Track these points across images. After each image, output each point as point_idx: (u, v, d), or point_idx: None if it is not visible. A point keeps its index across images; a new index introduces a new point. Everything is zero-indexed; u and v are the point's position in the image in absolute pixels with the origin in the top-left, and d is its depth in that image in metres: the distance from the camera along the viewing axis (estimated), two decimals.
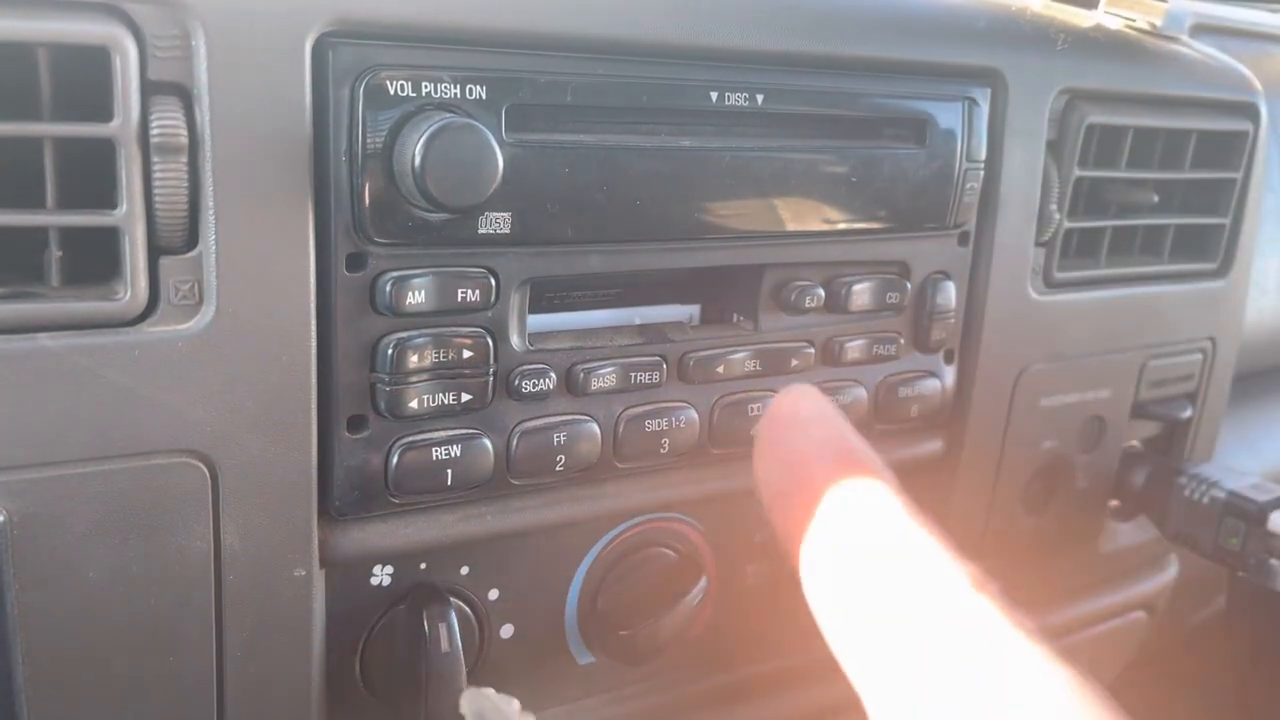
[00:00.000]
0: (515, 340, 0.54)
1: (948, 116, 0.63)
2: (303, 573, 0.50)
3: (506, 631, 0.61)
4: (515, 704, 0.32)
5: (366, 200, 0.47)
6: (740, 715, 0.71)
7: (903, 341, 0.67)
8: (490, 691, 0.34)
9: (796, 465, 0.30)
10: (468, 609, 0.59)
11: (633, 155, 0.53)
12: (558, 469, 0.56)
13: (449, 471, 0.53)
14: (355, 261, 0.48)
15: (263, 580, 0.49)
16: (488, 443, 0.53)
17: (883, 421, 0.68)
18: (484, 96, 0.48)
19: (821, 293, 0.62)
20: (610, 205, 0.53)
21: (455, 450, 0.53)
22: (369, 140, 0.46)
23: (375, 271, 0.49)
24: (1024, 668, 0.23)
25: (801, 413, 0.31)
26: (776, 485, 0.30)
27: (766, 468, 0.31)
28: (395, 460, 0.51)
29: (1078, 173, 0.72)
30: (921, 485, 0.73)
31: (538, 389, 0.54)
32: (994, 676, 0.23)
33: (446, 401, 0.52)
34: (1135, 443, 0.87)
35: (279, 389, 0.47)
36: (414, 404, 0.51)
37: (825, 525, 0.28)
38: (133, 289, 0.44)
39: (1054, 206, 0.71)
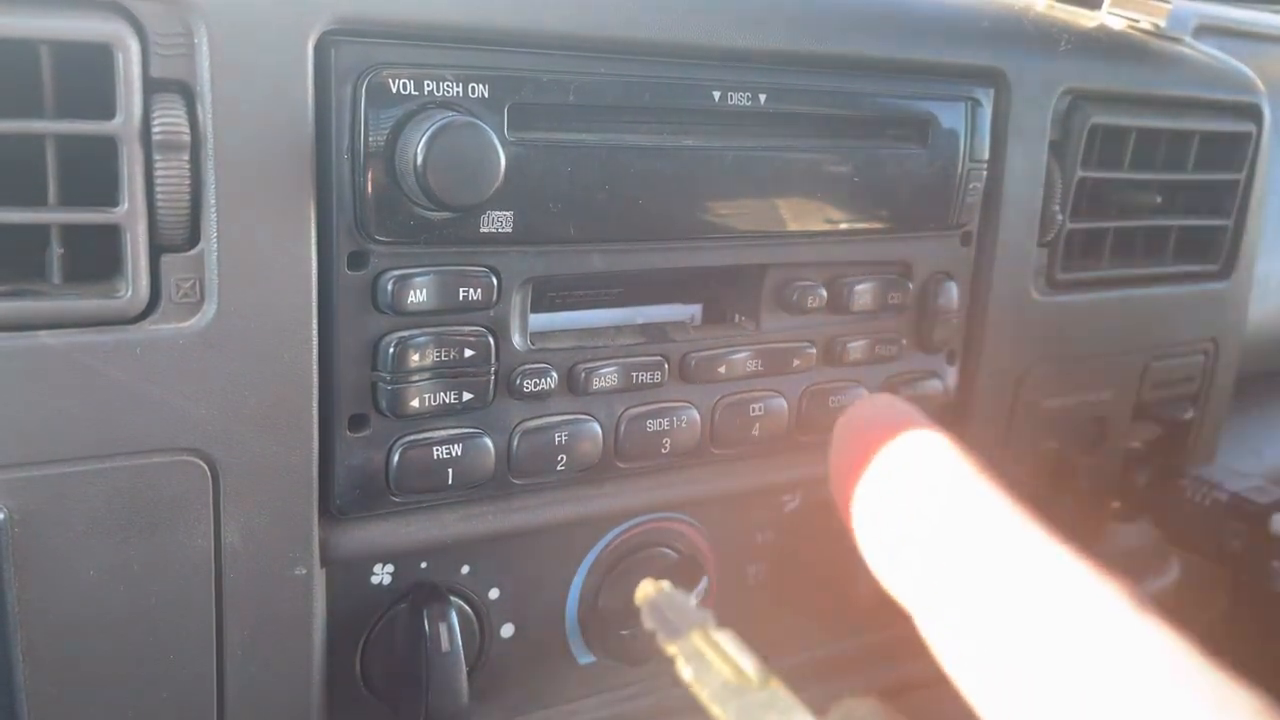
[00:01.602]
0: (517, 339, 0.53)
1: (950, 117, 0.63)
2: (303, 571, 0.50)
3: (507, 631, 0.61)
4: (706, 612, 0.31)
5: (368, 199, 0.47)
6: None
7: (905, 342, 0.67)
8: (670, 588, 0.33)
9: (857, 436, 0.30)
10: (468, 608, 0.59)
11: (635, 154, 0.53)
12: (559, 468, 0.56)
13: (450, 470, 0.53)
14: (357, 260, 0.48)
15: (263, 579, 0.49)
16: (489, 442, 0.53)
17: None
18: (486, 95, 0.48)
19: (824, 293, 0.62)
20: (612, 204, 0.53)
21: (456, 449, 0.53)
22: (371, 138, 0.46)
23: (377, 270, 0.49)
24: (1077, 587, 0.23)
25: (875, 405, 0.31)
26: (838, 462, 0.30)
27: (835, 455, 0.31)
28: (396, 459, 0.51)
29: (1080, 173, 0.71)
30: None
31: (539, 388, 0.54)
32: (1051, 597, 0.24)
33: (448, 400, 0.52)
34: (1137, 444, 0.87)
35: (280, 387, 0.47)
36: (415, 403, 0.51)
37: (879, 471, 0.28)
38: (134, 287, 0.44)
39: (1057, 207, 0.71)
